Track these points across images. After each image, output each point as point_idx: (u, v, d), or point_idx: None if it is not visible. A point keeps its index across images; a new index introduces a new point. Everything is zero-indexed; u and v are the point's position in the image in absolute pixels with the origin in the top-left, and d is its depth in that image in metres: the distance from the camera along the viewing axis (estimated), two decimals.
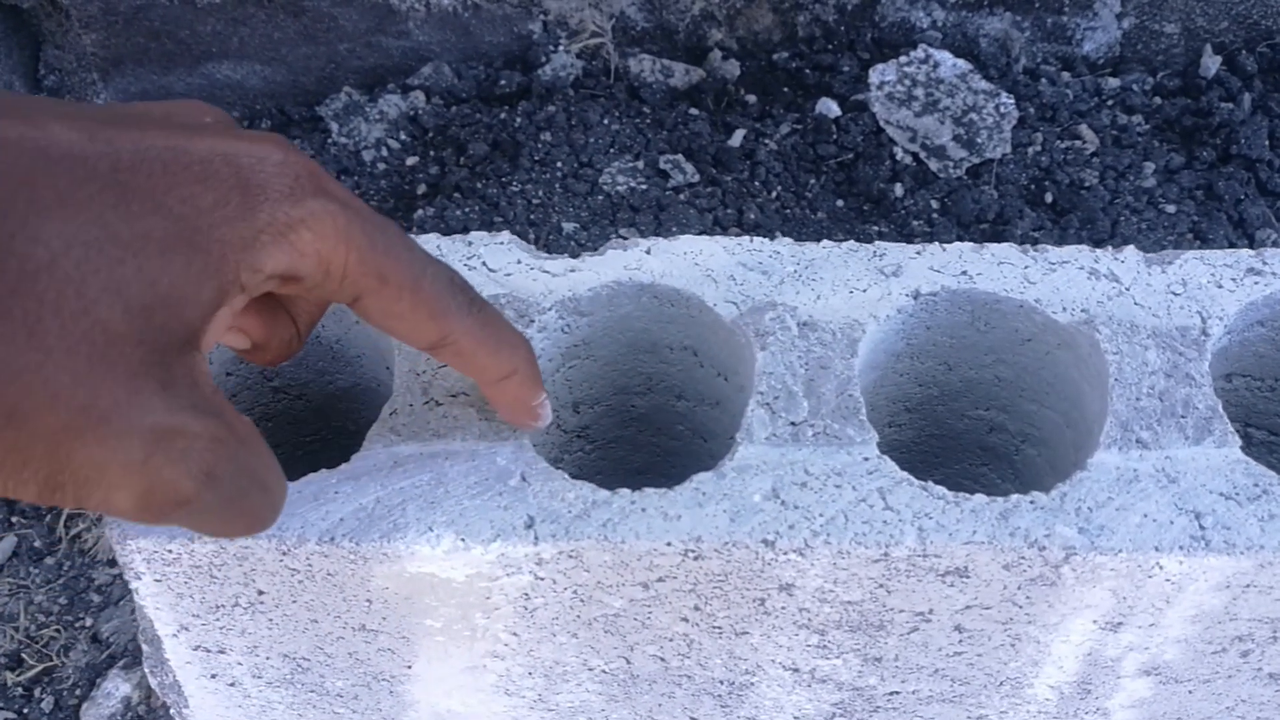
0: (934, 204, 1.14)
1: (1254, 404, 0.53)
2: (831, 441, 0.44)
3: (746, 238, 0.50)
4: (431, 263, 0.35)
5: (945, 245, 0.49)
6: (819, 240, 0.50)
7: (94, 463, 0.28)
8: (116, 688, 0.94)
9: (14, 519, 1.02)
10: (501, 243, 0.50)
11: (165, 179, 0.30)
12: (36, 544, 1.01)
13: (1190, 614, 0.44)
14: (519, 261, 0.49)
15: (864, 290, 0.48)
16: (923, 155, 1.16)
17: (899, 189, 1.14)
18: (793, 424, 0.45)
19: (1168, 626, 0.45)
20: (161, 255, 0.29)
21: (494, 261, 0.49)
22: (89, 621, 0.98)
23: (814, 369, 0.46)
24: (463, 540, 0.42)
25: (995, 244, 0.49)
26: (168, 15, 1.15)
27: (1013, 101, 1.19)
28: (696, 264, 0.49)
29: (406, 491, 0.43)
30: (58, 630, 0.97)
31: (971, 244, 0.49)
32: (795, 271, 0.49)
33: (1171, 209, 1.14)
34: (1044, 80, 1.23)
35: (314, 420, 0.55)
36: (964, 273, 0.49)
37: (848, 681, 0.48)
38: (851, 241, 0.50)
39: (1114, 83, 1.24)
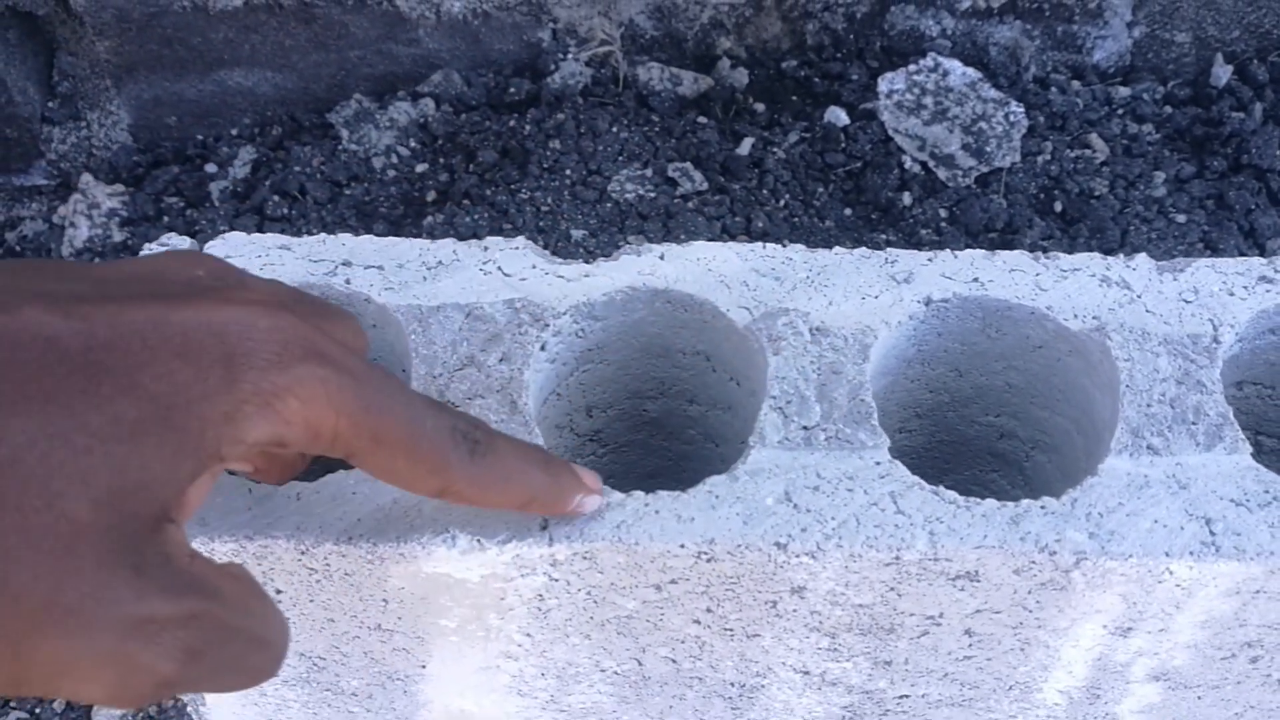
0: (943, 213, 1.14)
1: (1265, 412, 0.53)
2: (843, 446, 0.44)
3: (759, 244, 0.50)
4: (433, 413, 0.35)
5: (957, 252, 0.50)
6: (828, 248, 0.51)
7: (60, 658, 0.27)
8: None
9: None
10: (516, 247, 0.51)
11: (143, 355, 0.30)
12: None
13: (1200, 620, 0.44)
14: (534, 266, 0.50)
15: (876, 296, 0.49)
16: (931, 164, 1.17)
17: (907, 198, 1.15)
18: (805, 428, 0.45)
19: (1177, 632, 0.45)
20: (133, 439, 0.29)
21: (509, 266, 0.50)
22: None
23: (826, 374, 0.46)
24: (478, 541, 0.42)
25: (1007, 251, 0.50)
26: (180, 22, 1.16)
27: (1022, 110, 1.19)
28: (710, 270, 0.49)
29: None
30: None
31: (983, 251, 0.50)
32: (808, 278, 0.49)
33: (1182, 219, 1.14)
34: (1054, 89, 1.23)
35: None
36: (975, 279, 0.49)
37: (858, 684, 0.49)
38: (863, 248, 0.50)
39: (1124, 92, 1.24)
